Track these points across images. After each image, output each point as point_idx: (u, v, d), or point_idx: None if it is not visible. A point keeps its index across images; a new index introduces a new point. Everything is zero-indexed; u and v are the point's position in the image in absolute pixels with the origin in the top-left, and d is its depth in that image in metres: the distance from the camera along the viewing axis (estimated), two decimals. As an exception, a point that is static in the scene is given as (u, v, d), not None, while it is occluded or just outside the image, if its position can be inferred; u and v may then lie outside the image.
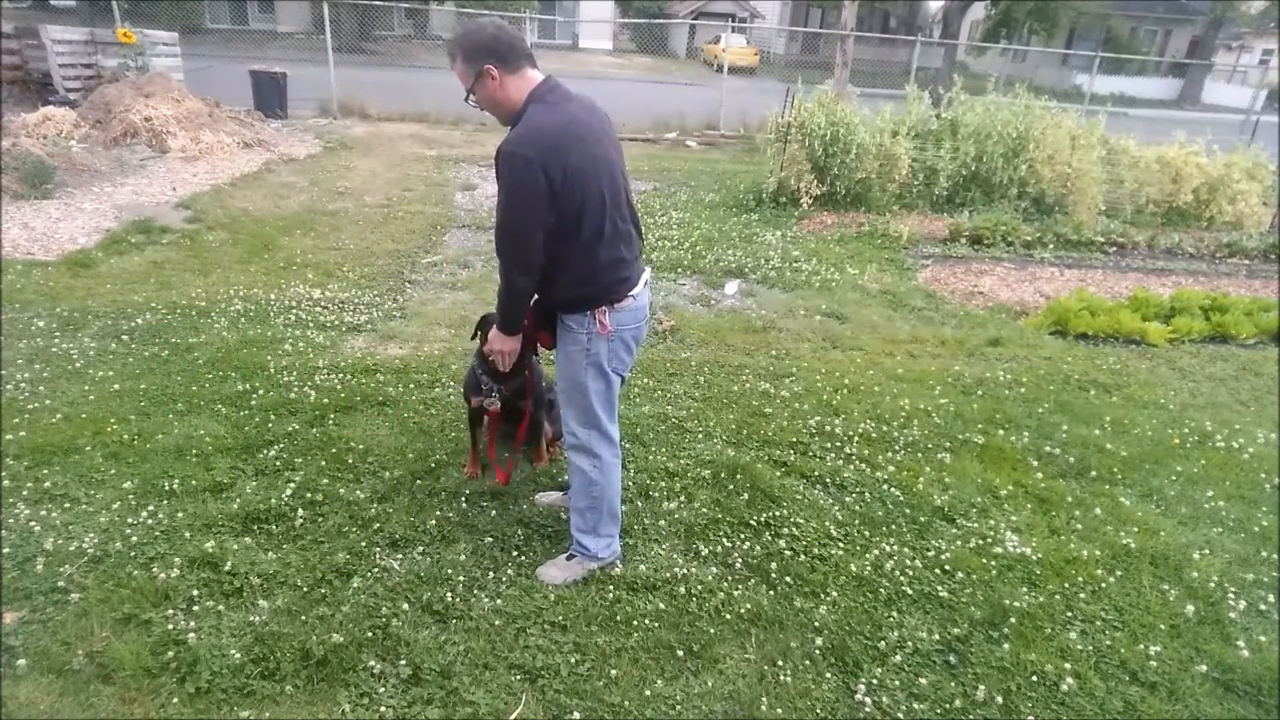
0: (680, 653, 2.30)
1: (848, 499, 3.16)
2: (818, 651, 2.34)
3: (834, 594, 2.59)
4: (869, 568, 2.73)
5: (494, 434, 3.08)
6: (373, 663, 2.16)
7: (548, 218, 2.08)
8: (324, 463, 3.10)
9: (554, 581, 2.53)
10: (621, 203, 2.26)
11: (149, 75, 9.48)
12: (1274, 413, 4.32)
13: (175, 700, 2.01)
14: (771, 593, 2.58)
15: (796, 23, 34.34)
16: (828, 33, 24.66)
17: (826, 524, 2.97)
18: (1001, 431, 3.81)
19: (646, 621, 2.39)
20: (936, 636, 2.43)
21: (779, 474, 3.29)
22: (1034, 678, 2.30)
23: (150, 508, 2.73)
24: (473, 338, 2.92)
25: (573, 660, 2.23)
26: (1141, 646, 2.45)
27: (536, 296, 2.29)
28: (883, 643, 2.39)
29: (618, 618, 2.40)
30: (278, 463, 3.08)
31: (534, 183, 2.02)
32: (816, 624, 2.45)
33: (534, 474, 3.15)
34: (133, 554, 2.51)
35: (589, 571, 2.57)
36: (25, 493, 2.78)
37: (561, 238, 2.12)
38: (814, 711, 2.15)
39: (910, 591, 2.63)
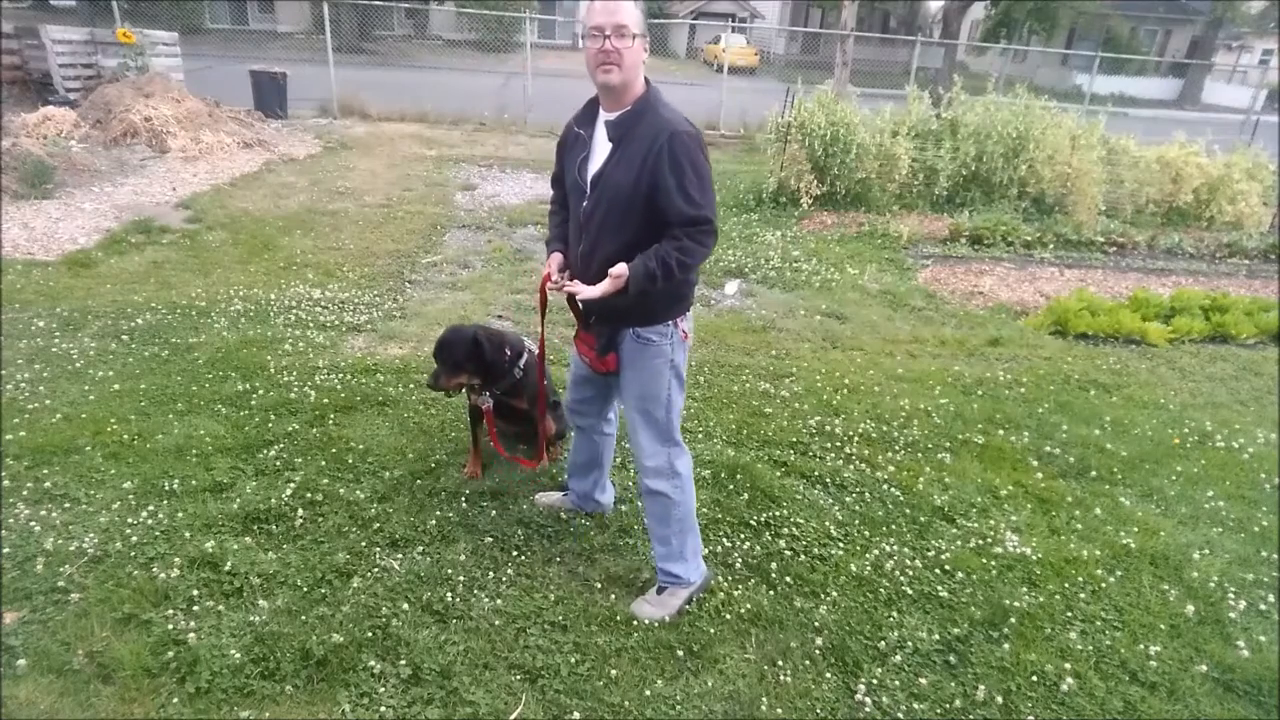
0: (680, 653, 2.29)
1: (848, 499, 3.16)
2: (818, 651, 2.34)
3: (834, 594, 2.59)
4: (869, 568, 2.73)
5: (494, 431, 3.08)
6: (373, 663, 2.16)
7: None
8: (324, 463, 3.10)
9: (648, 617, 2.40)
10: None
11: (149, 75, 9.48)
12: (1274, 413, 4.32)
13: (175, 700, 2.01)
14: (771, 593, 2.58)
15: (796, 23, 34.34)
16: (828, 33, 24.66)
17: (826, 524, 2.97)
18: (1001, 431, 3.81)
19: (646, 621, 2.39)
20: (936, 636, 2.43)
21: (779, 474, 3.29)
22: (1034, 678, 2.30)
23: (150, 508, 2.73)
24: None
25: (573, 660, 2.23)
26: (1141, 646, 2.45)
27: (596, 318, 2.26)
28: (883, 643, 2.39)
29: (618, 618, 2.40)
30: (278, 463, 3.08)
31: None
32: (816, 624, 2.45)
33: (533, 474, 3.14)
34: (133, 554, 2.51)
35: (686, 600, 2.45)
36: (25, 493, 2.78)
37: None
38: (814, 711, 2.15)
39: (910, 591, 2.63)
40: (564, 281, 2.19)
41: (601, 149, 2.11)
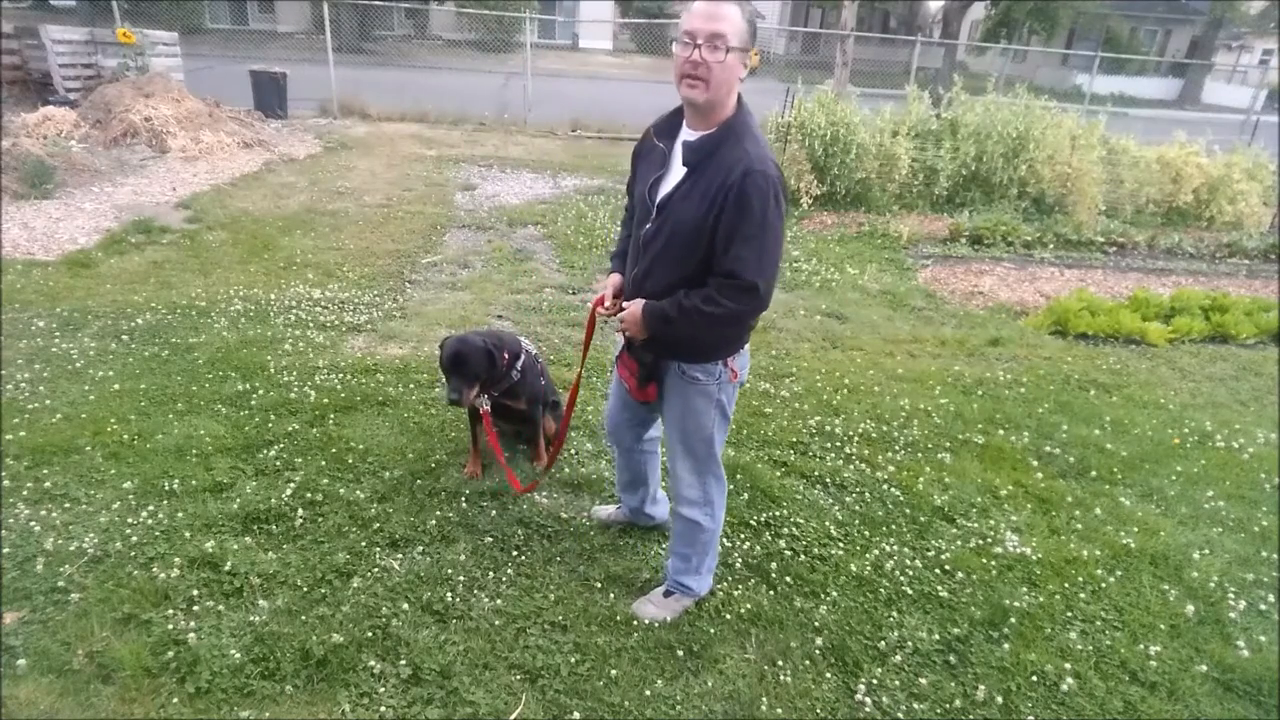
0: (680, 653, 2.29)
1: (848, 499, 3.16)
2: (818, 651, 2.34)
3: (834, 594, 2.59)
4: (869, 568, 2.73)
5: (493, 434, 3.08)
6: (373, 663, 2.16)
7: None
8: (324, 463, 3.10)
9: (650, 617, 2.41)
10: None
11: (149, 75, 9.48)
12: (1274, 413, 4.32)
13: (175, 700, 2.01)
14: (771, 593, 2.58)
15: (796, 23, 34.32)
16: (828, 33, 24.66)
17: (826, 524, 2.97)
18: (1001, 431, 3.81)
19: (646, 621, 2.39)
20: (936, 636, 2.43)
21: (779, 474, 3.29)
22: (1034, 678, 2.30)
23: (150, 508, 2.73)
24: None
25: (573, 660, 2.23)
26: (1141, 646, 2.45)
27: (641, 345, 2.10)
28: (883, 643, 2.39)
29: (618, 618, 2.40)
30: (278, 463, 3.08)
31: (781, 205, 1.85)
32: (816, 624, 2.45)
33: (534, 473, 3.14)
34: (133, 554, 2.51)
35: (685, 608, 2.47)
36: (25, 493, 2.78)
37: None
38: (814, 711, 2.15)
39: (910, 591, 2.63)
40: (615, 308, 2.13)
41: (676, 172, 1.95)
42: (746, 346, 2.18)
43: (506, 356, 2.84)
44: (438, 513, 2.84)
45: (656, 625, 2.38)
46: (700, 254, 1.90)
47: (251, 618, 2.28)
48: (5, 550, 2.48)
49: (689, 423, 2.18)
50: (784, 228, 1.90)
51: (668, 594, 2.47)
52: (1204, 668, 2.39)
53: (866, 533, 2.94)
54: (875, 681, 2.25)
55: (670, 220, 1.94)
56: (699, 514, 2.32)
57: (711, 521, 2.35)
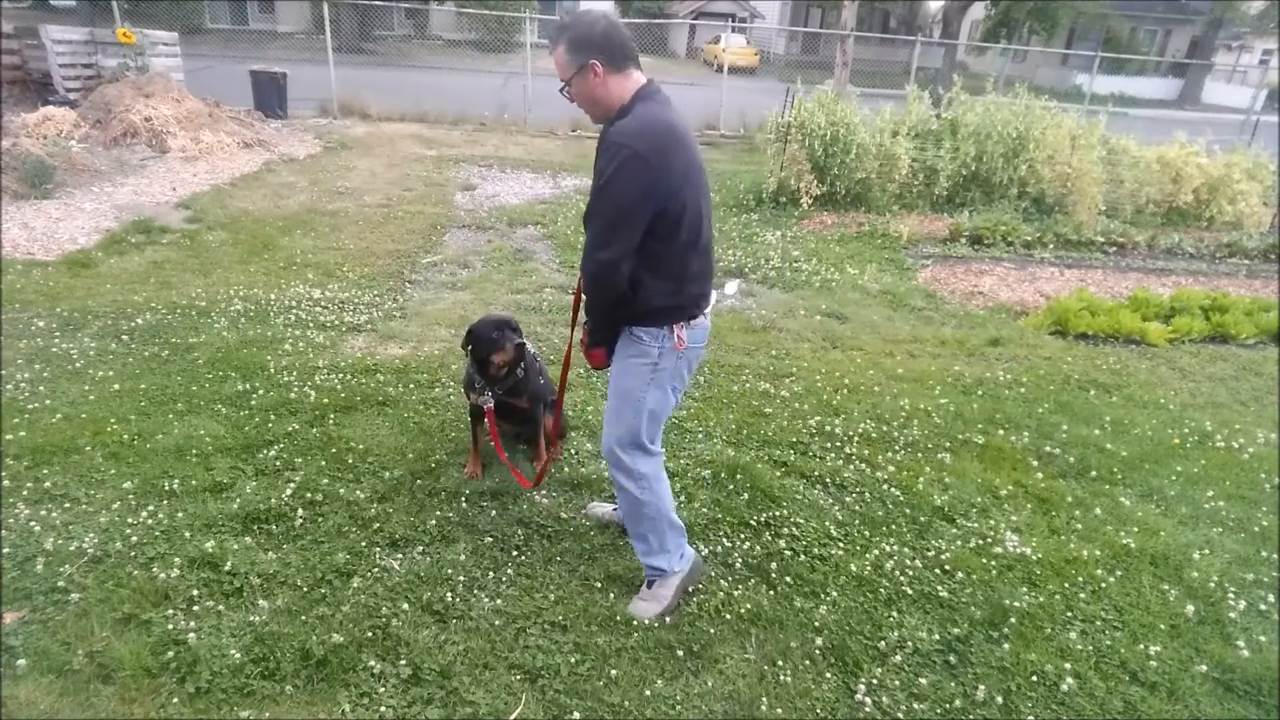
0: (680, 653, 2.29)
1: (848, 499, 3.16)
2: (818, 651, 2.34)
3: (834, 594, 2.59)
4: (869, 568, 2.73)
5: (495, 432, 3.08)
6: (373, 663, 2.16)
7: (647, 216, 2.00)
8: (324, 463, 3.10)
9: (646, 614, 2.41)
10: (709, 219, 2.19)
11: (149, 75, 9.48)
12: (1274, 413, 4.32)
13: (175, 700, 2.01)
14: (771, 593, 2.58)
15: (796, 23, 34.32)
16: (828, 33, 24.65)
17: (826, 524, 2.97)
18: (1001, 431, 3.81)
19: (646, 621, 2.39)
20: (936, 636, 2.43)
21: (779, 474, 3.29)
22: (1034, 678, 2.30)
23: (150, 508, 2.73)
24: (464, 346, 2.90)
25: (573, 660, 2.23)
26: (1141, 646, 2.45)
27: (591, 311, 2.22)
28: (883, 643, 2.39)
29: (618, 618, 2.40)
30: (278, 463, 3.08)
31: (640, 176, 1.95)
32: (816, 624, 2.45)
33: (533, 471, 3.14)
34: (133, 554, 2.51)
35: (675, 590, 2.46)
36: (25, 493, 2.78)
37: (661, 240, 2.04)
38: (814, 711, 2.15)
39: (910, 591, 2.63)
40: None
41: None
42: (704, 320, 2.24)
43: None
44: (438, 513, 2.84)
45: (657, 624, 2.38)
46: None
47: (251, 618, 2.28)
48: (5, 550, 2.48)
49: (623, 381, 2.26)
50: (627, 199, 1.98)
51: (650, 584, 2.49)
52: (1204, 668, 2.39)
53: (866, 533, 2.94)
54: (875, 681, 2.25)
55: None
56: (629, 482, 2.32)
57: (649, 495, 2.34)
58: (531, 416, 3.06)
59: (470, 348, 2.86)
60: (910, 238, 7.35)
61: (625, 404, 2.26)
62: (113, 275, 5.10)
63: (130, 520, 2.67)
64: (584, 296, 2.21)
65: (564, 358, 2.66)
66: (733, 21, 31.74)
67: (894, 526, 3.00)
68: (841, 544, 2.86)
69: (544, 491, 3.03)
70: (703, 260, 2.18)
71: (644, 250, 2.05)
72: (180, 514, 2.71)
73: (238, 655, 2.14)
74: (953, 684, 2.27)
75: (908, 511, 3.10)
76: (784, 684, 2.22)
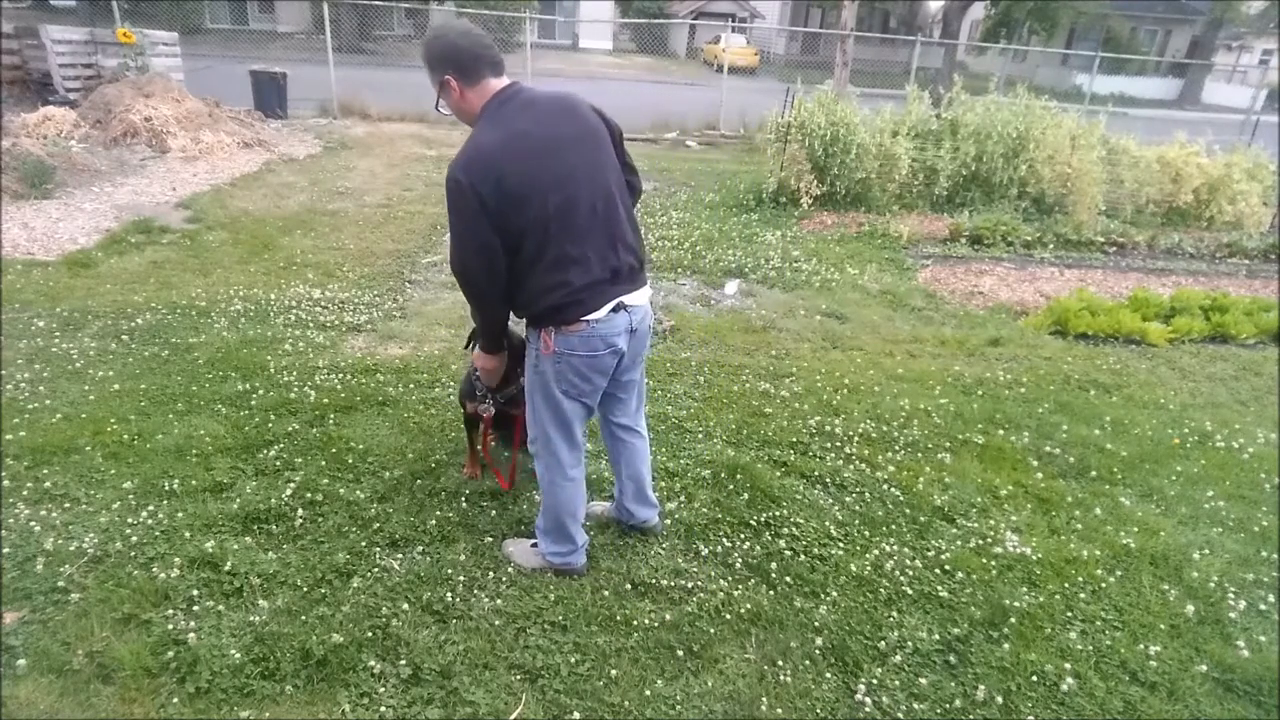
0: (680, 653, 2.29)
1: (848, 499, 3.16)
2: (818, 651, 2.34)
3: (834, 594, 2.59)
4: (869, 568, 2.73)
5: (487, 439, 3.07)
6: (373, 663, 2.16)
7: (491, 239, 2.02)
8: (324, 463, 3.10)
9: (513, 559, 2.60)
10: (573, 224, 2.06)
11: (149, 75, 9.48)
12: (1274, 413, 4.32)
13: (175, 700, 2.01)
14: (771, 593, 2.58)
15: (796, 23, 34.32)
16: (828, 33, 24.66)
17: (826, 524, 2.97)
18: (1001, 431, 3.81)
19: (646, 621, 2.39)
20: (936, 636, 2.43)
21: (779, 474, 3.29)
22: (1034, 678, 2.30)
23: (150, 508, 2.73)
24: (465, 347, 2.90)
25: (573, 660, 2.23)
26: (1141, 646, 2.45)
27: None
28: (883, 643, 2.39)
29: (618, 618, 2.40)
30: (278, 463, 3.08)
31: (466, 205, 1.99)
32: (816, 624, 2.45)
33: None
34: (133, 554, 2.51)
35: (542, 567, 2.57)
36: (25, 493, 2.78)
37: (509, 254, 2.08)
38: (814, 711, 2.15)
39: (910, 591, 2.63)
40: None
41: None
42: (586, 328, 2.14)
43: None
44: (438, 513, 2.84)
45: (657, 624, 2.37)
46: None
47: (251, 618, 2.28)
48: (5, 550, 2.48)
49: (529, 377, 2.35)
50: (464, 223, 2.04)
51: (534, 544, 2.60)
52: (1204, 668, 2.39)
53: (866, 533, 2.94)
54: (875, 681, 2.25)
55: None
56: (538, 464, 2.45)
57: (545, 483, 2.43)
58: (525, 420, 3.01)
59: (472, 344, 2.83)
60: (910, 238, 7.35)
61: (528, 395, 2.38)
62: (113, 275, 5.10)
63: (130, 520, 2.67)
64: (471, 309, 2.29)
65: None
66: (733, 21, 31.74)
67: (894, 526, 3.00)
68: (841, 544, 2.86)
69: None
70: (555, 273, 2.08)
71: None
72: (180, 514, 2.72)
73: (238, 655, 2.14)
74: (953, 684, 2.27)
75: (908, 511, 3.10)
76: (784, 684, 2.22)
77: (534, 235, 2.05)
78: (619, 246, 2.17)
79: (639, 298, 2.25)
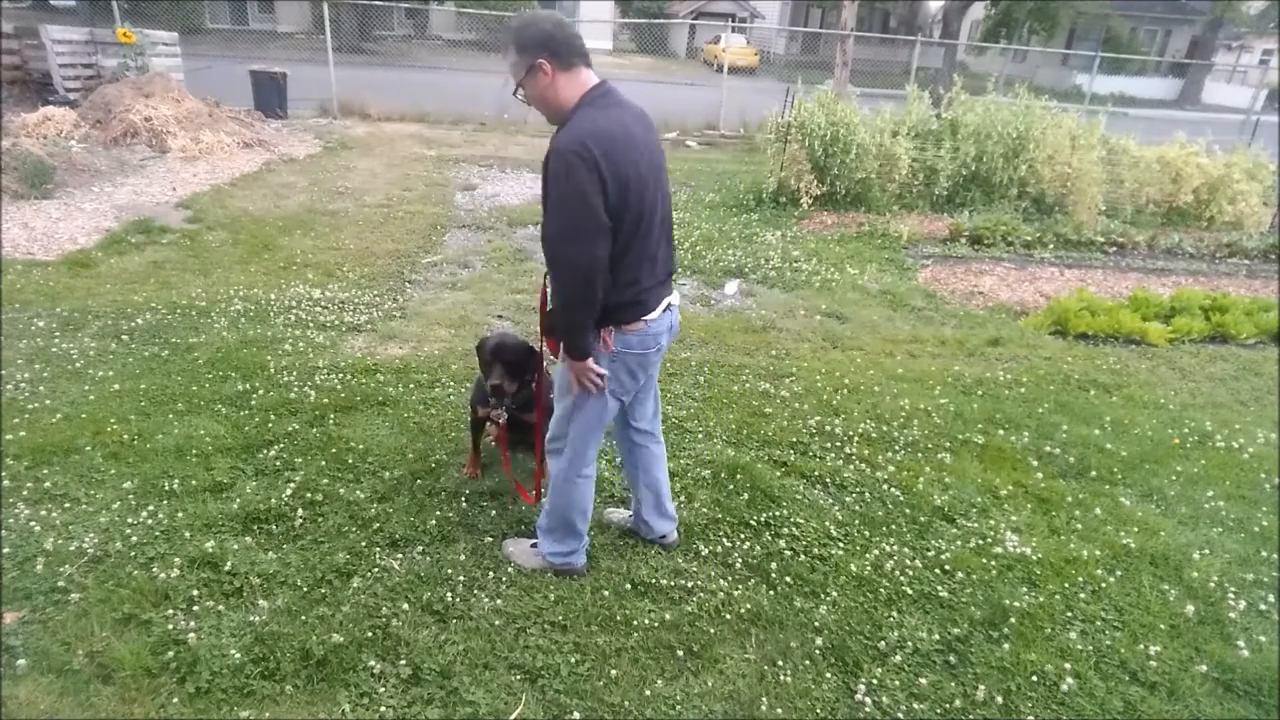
0: (680, 653, 2.29)
1: (848, 499, 3.16)
2: (818, 651, 2.34)
3: (834, 594, 2.59)
4: (869, 568, 2.73)
5: (505, 446, 3.05)
6: (373, 663, 2.16)
7: (606, 220, 1.99)
8: (324, 463, 3.10)
9: (513, 559, 2.60)
10: (654, 225, 2.15)
11: (149, 75, 9.48)
12: (1274, 413, 4.32)
13: (175, 700, 2.01)
14: (771, 593, 2.58)
15: (796, 23, 34.32)
16: (828, 33, 24.67)
17: (826, 524, 2.97)
18: (1001, 431, 3.81)
19: (646, 621, 2.39)
20: (936, 636, 2.43)
21: (779, 474, 3.29)
22: (1034, 678, 2.30)
23: (150, 508, 2.73)
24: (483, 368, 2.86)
25: (573, 660, 2.23)
26: (1141, 646, 2.45)
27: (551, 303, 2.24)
28: (883, 643, 2.39)
29: (618, 618, 2.40)
30: (278, 463, 3.08)
31: (590, 181, 1.94)
32: (816, 624, 2.45)
33: (532, 471, 3.14)
34: (133, 554, 2.51)
35: (542, 567, 2.57)
36: (25, 493, 2.78)
37: None
38: (814, 711, 2.15)
39: (910, 591, 2.63)
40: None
41: None
42: (645, 326, 2.21)
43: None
44: (438, 513, 2.84)
45: (657, 624, 2.37)
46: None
47: (251, 618, 2.28)
48: (5, 550, 2.48)
49: (562, 376, 2.31)
50: (584, 201, 1.97)
51: (534, 544, 2.60)
52: (1204, 668, 2.39)
53: (866, 533, 2.94)
54: (875, 681, 2.25)
55: None
56: (556, 464, 2.44)
57: (567, 486, 2.41)
58: (541, 430, 3.01)
59: (481, 364, 2.82)
60: (910, 238, 7.35)
61: (563, 395, 2.34)
62: (113, 275, 5.10)
63: (130, 520, 2.67)
64: (562, 304, 2.12)
65: (538, 357, 2.70)
66: (733, 21, 31.72)
67: (894, 526, 3.00)
68: (841, 544, 2.86)
69: (543, 492, 3.02)
70: (632, 270, 2.12)
71: None
72: (180, 514, 2.72)
73: (238, 655, 2.14)
74: (953, 684, 2.27)
75: (908, 511, 3.10)
76: (784, 684, 2.22)
77: (627, 229, 2.07)
78: (671, 252, 2.32)
79: (675, 298, 2.37)
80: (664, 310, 2.27)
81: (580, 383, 2.22)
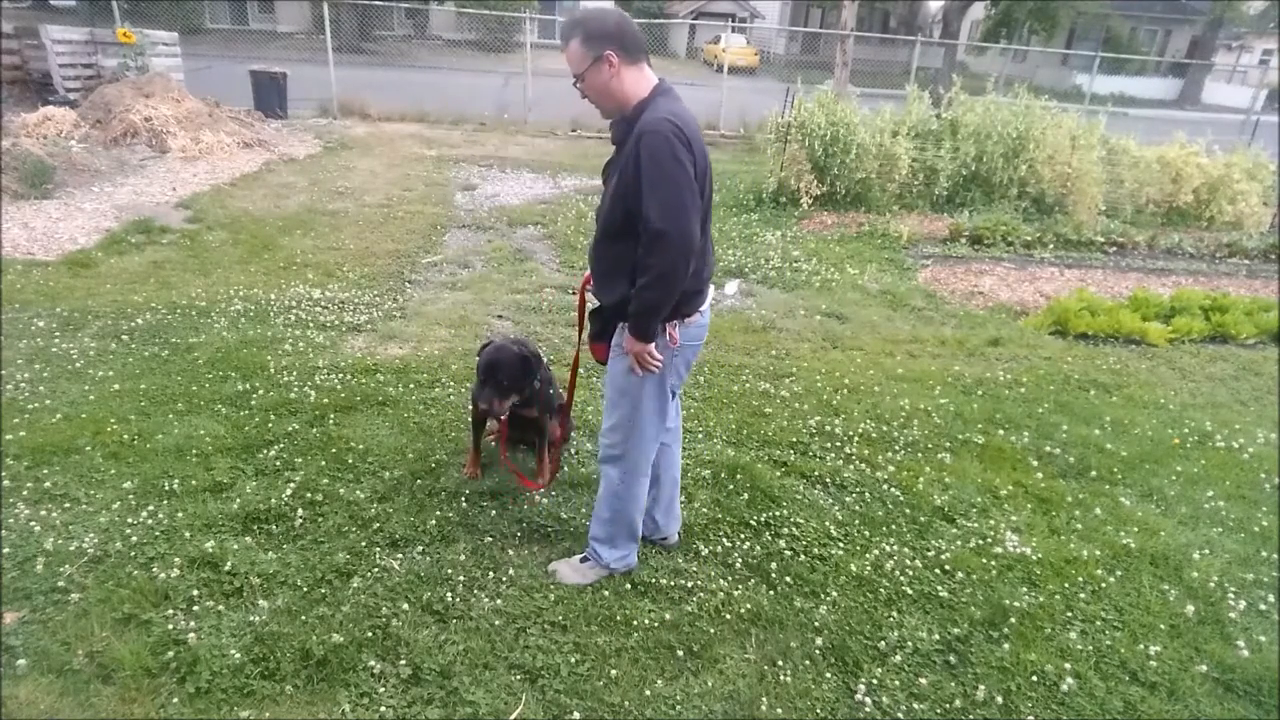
0: (680, 653, 2.29)
1: (848, 499, 3.16)
2: (818, 651, 2.34)
3: (834, 594, 2.59)
4: (869, 568, 2.73)
5: (504, 441, 3.06)
6: (373, 663, 2.16)
7: (700, 200, 2.02)
8: (324, 463, 3.10)
9: (567, 581, 2.52)
10: (708, 220, 2.20)
11: (149, 75, 9.48)
12: (1274, 413, 4.32)
13: (175, 700, 2.01)
14: (771, 593, 2.58)
15: (796, 23, 34.33)
16: (828, 33, 24.66)
17: (826, 524, 2.96)
18: (1001, 431, 3.81)
19: (646, 621, 2.39)
20: (936, 636, 2.43)
21: (779, 474, 3.29)
22: (1034, 678, 2.30)
23: (150, 508, 2.73)
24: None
25: (573, 660, 2.23)
26: (1141, 646, 2.45)
27: (600, 304, 2.24)
28: (883, 643, 2.39)
29: (618, 618, 2.40)
30: (278, 463, 3.08)
31: (685, 159, 1.96)
32: (816, 624, 2.45)
33: (532, 473, 3.14)
34: (133, 554, 2.51)
35: (601, 577, 2.55)
36: (25, 493, 2.78)
37: None
38: (814, 711, 2.15)
39: (910, 591, 2.63)
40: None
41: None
42: (699, 318, 2.26)
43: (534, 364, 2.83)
44: (438, 513, 2.84)
45: (658, 625, 2.37)
46: (619, 216, 2.09)
47: (251, 618, 2.28)
48: (5, 550, 2.47)
49: (620, 379, 2.28)
50: (687, 175, 1.97)
51: (584, 559, 2.56)
52: (1204, 668, 2.39)
53: (866, 533, 2.94)
54: (875, 681, 2.25)
55: (605, 190, 2.19)
56: (614, 472, 2.40)
57: (625, 489, 2.40)
58: (540, 427, 3.03)
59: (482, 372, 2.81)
60: (910, 238, 7.35)
61: (623, 399, 2.30)
62: (113, 275, 5.10)
63: (130, 520, 2.67)
64: (654, 282, 2.02)
65: (573, 361, 2.68)
66: (733, 21, 31.72)
67: (894, 526, 3.00)
68: (841, 544, 2.86)
69: (544, 491, 3.03)
70: (702, 259, 2.17)
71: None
72: (180, 514, 2.71)
73: (238, 655, 2.14)
74: (953, 684, 2.27)
75: (908, 511, 3.10)
76: (784, 684, 2.22)
77: (702, 215, 2.10)
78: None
79: (713, 293, 2.39)
80: (709, 303, 2.32)
81: (641, 365, 2.19)
